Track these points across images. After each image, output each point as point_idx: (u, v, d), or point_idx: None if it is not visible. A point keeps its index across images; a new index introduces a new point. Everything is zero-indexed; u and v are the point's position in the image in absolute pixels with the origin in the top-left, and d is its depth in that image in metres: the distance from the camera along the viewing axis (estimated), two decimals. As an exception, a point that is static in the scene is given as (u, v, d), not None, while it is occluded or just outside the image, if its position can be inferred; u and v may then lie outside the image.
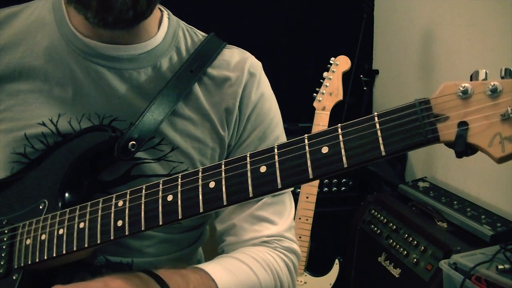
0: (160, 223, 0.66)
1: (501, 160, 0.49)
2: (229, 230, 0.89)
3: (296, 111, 2.04)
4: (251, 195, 0.61)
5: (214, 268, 0.78)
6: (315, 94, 1.94)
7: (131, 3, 0.72)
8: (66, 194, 0.78)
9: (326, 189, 2.20)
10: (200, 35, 0.91)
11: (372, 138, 0.55)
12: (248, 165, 0.62)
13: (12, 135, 0.80)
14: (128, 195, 0.69)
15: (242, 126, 0.88)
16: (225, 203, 0.63)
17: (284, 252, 0.88)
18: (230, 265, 0.81)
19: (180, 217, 0.65)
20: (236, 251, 0.86)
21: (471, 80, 0.53)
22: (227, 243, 0.89)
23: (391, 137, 0.54)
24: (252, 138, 0.89)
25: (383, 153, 0.54)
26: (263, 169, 0.61)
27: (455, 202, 1.76)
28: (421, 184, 1.97)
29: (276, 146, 0.61)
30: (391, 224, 1.77)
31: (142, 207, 0.68)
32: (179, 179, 0.66)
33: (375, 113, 0.56)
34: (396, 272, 1.67)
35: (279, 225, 0.88)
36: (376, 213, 1.88)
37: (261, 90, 0.90)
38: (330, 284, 1.99)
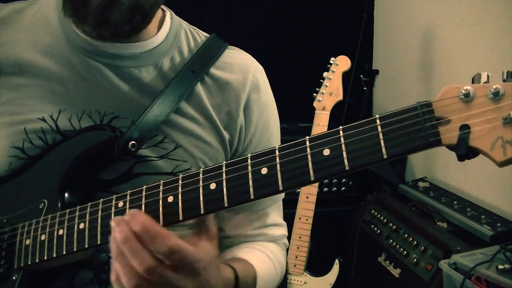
0: (161, 224, 0.66)
1: (502, 164, 0.49)
2: (240, 238, 0.94)
3: (296, 111, 2.03)
4: (252, 197, 0.61)
5: (254, 258, 0.85)
6: (315, 94, 1.94)
7: (127, 18, 0.73)
8: (66, 194, 0.78)
9: (326, 189, 2.20)
10: (203, 35, 0.91)
11: (374, 141, 0.55)
12: (249, 167, 0.62)
13: (12, 129, 0.80)
14: (128, 196, 0.69)
15: (249, 132, 0.88)
16: (226, 204, 0.63)
17: (283, 247, 1.00)
18: (262, 259, 0.89)
19: (181, 218, 0.65)
20: (259, 247, 0.93)
21: (473, 82, 0.53)
22: (238, 242, 0.95)
23: (392, 140, 0.54)
24: (255, 145, 0.89)
25: (385, 156, 0.54)
26: (264, 171, 0.61)
27: (455, 202, 1.76)
28: (421, 184, 1.97)
29: (277, 148, 0.61)
30: (391, 224, 1.77)
31: (143, 208, 0.67)
32: (180, 180, 0.66)
33: (377, 116, 0.56)
34: (396, 272, 1.67)
35: (283, 225, 0.99)
36: (376, 213, 1.88)
37: (265, 96, 0.91)
38: (330, 284, 1.99)
